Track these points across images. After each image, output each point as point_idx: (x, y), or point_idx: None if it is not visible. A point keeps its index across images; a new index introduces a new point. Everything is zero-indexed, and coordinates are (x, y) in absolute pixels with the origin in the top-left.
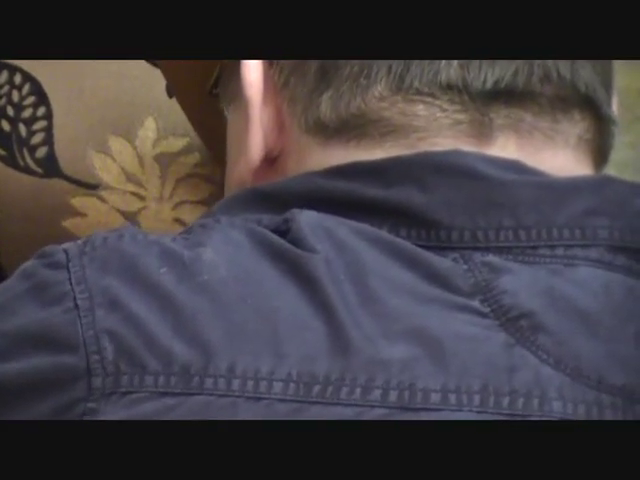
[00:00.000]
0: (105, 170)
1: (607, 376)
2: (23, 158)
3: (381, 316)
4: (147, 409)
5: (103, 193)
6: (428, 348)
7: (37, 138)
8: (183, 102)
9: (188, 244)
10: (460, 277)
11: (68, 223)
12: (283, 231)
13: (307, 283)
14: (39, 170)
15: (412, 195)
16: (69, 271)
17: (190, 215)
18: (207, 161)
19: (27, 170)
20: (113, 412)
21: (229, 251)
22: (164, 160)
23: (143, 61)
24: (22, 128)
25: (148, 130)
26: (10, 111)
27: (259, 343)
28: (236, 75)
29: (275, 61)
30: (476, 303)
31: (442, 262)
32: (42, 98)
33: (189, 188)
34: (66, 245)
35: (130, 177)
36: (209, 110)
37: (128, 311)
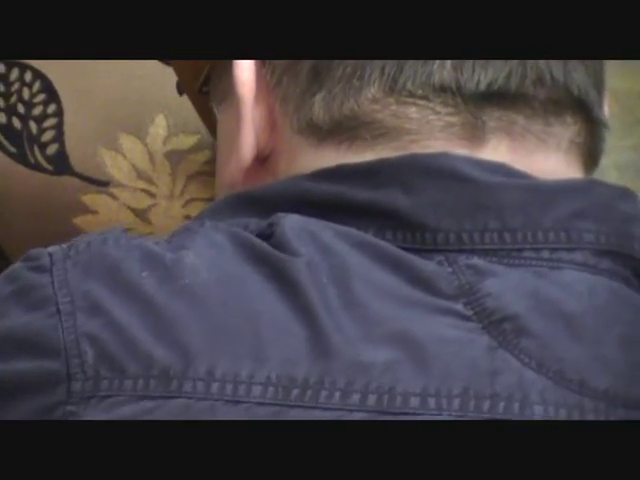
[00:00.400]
0: (116, 167)
1: (590, 380)
2: (34, 155)
3: (363, 320)
4: (125, 412)
5: (114, 190)
6: (410, 352)
7: (48, 135)
8: (194, 100)
9: (171, 247)
10: (444, 280)
11: (79, 220)
12: (267, 235)
13: (289, 286)
14: (50, 167)
15: (398, 198)
16: (52, 275)
17: None
18: None
19: (38, 167)
20: (92, 415)
21: (211, 254)
22: (175, 157)
23: None
24: (33, 125)
25: (158, 127)
26: (21, 108)
27: (239, 347)
28: (227, 74)
29: (267, 60)
30: (459, 306)
31: (426, 265)
32: (52, 95)
33: (199, 185)
34: (52, 249)
35: (141, 174)
36: None
37: (110, 316)
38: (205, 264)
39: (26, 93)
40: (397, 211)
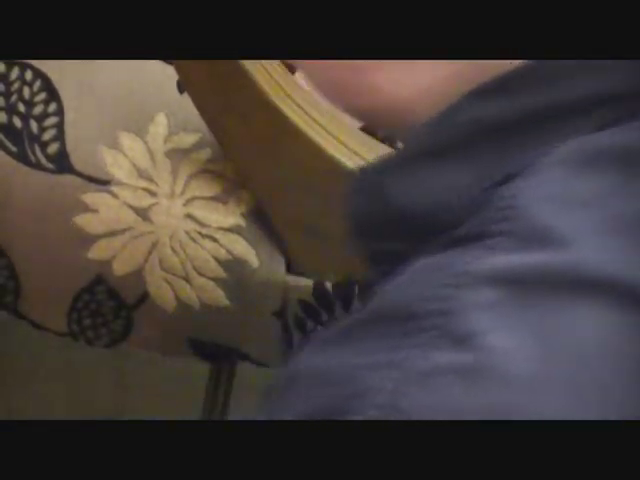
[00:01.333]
0: (116, 166)
1: None
2: (34, 154)
3: None
4: None
5: (115, 189)
6: None
7: (48, 134)
8: (196, 98)
9: (454, 343)
10: None
11: (80, 219)
12: (499, 219)
13: (600, 290)
14: (50, 166)
15: (598, 82)
16: None
17: (202, 211)
18: (219, 157)
19: (38, 166)
20: None
21: (505, 319)
22: (175, 156)
23: None
24: (33, 124)
25: (159, 126)
26: (21, 107)
27: None
28: None
29: None
30: None
31: None
32: (53, 94)
33: (201, 184)
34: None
35: (141, 173)
36: (221, 106)
37: None
38: (514, 337)
39: (26, 92)
40: (604, 93)
